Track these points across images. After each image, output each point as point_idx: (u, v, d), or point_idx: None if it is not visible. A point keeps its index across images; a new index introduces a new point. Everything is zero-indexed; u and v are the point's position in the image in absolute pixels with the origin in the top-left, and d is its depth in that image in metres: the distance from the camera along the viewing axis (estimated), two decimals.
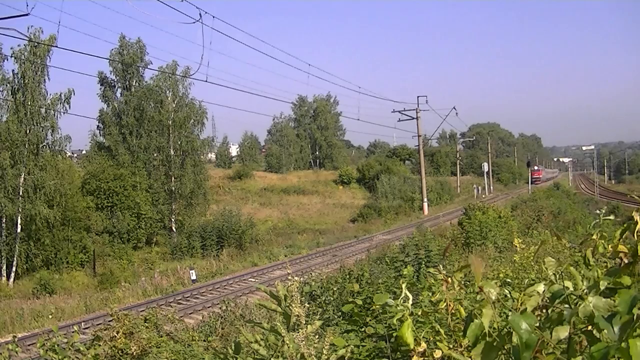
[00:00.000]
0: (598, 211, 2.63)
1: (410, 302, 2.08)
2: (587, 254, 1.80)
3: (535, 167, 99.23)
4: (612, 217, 2.72)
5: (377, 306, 3.80)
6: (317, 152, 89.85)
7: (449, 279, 2.09)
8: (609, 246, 1.81)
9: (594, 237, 1.87)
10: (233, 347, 2.73)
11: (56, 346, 5.37)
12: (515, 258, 8.09)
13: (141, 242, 36.47)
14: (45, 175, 29.24)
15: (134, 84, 41.78)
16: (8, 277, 28.65)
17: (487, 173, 73.42)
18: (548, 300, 1.67)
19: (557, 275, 1.74)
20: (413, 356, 2.13)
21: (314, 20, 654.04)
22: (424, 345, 2.13)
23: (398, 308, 2.06)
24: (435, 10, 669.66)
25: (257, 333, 2.73)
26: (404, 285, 2.18)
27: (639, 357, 1.23)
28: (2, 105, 30.05)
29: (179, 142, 40.30)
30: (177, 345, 8.75)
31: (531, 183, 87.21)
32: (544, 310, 1.69)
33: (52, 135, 30.91)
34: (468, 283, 2.86)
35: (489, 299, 1.61)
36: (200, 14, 17.00)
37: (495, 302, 1.62)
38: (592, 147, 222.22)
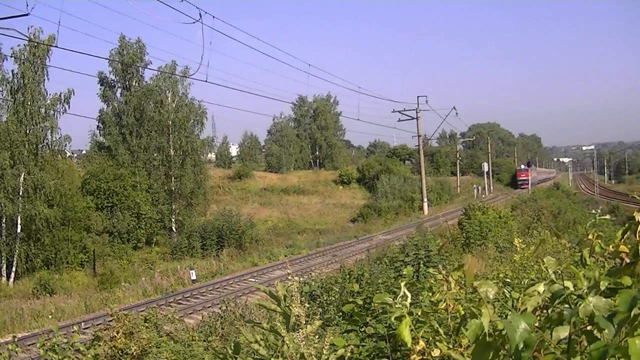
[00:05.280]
0: (594, 211, 2.63)
1: (409, 300, 2.07)
2: (583, 254, 1.80)
3: (522, 167, 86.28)
4: (607, 216, 2.72)
5: (377, 306, 3.80)
6: (317, 152, 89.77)
7: (448, 278, 2.09)
8: (610, 246, 1.81)
9: (590, 237, 1.87)
10: (233, 347, 2.73)
11: (56, 346, 5.37)
12: (515, 258, 8.09)
13: (141, 242, 36.47)
14: (45, 175, 29.24)
15: (133, 84, 41.82)
16: (8, 277, 28.65)
17: (487, 173, 73.28)
18: (548, 300, 1.67)
19: (557, 275, 1.74)
20: (412, 355, 2.13)
21: (314, 19, 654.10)
22: (422, 344, 2.12)
23: (396, 306, 2.05)
24: (435, 10, 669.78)
25: (257, 333, 2.73)
26: (402, 284, 2.18)
27: (638, 356, 1.23)
28: (2, 106, 30.10)
29: (179, 142, 40.31)
30: (177, 345, 8.75)
31: (516, 187, 78.98)
32: (544, 310, 1.69)
33: (51, 135, 30.96)
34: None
35: (486, 299, 1.61)
36: (200, 14, 16.99)
37: (492, 301, 1.62)
38: (592, 147, 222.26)
